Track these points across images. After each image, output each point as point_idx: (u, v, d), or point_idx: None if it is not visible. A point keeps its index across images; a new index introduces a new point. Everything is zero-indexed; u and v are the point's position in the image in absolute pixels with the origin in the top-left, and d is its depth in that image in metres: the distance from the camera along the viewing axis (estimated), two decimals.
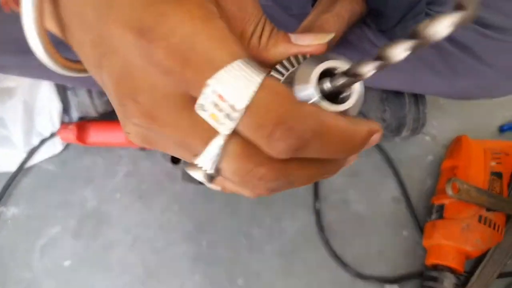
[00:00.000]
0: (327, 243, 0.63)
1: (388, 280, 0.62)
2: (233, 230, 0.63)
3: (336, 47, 0.47)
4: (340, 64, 0.21)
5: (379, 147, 0.70)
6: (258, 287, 0.60)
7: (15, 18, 0.45)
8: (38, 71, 0.53)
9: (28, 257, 0.59)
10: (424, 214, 0.67)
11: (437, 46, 0.48)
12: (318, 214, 0.65)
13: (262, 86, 0.18)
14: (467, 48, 0.48)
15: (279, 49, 0.23)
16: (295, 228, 0.64)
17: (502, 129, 0.76)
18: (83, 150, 0.65)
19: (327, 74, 0.21)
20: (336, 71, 0.21)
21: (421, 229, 0.65)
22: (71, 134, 0.61)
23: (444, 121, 0.75)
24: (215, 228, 0.63)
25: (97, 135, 0.62)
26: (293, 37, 0.23)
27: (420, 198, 0.68)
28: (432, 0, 0.47)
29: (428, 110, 0.67)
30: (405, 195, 0.68)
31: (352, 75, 0.19)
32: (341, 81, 0.20)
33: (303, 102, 0.20)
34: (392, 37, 0.47)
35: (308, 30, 0.35)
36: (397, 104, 0.61)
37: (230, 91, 0.18)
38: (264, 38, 0.23)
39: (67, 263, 0.59)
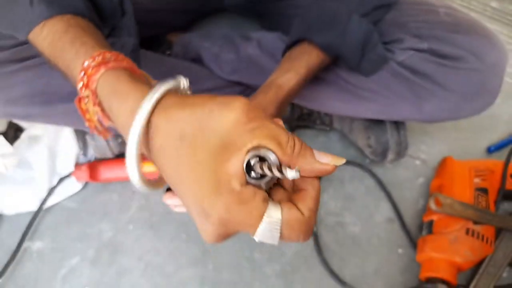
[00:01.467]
0: (325, 263, 0.66)
1: None
2: (237, 255, 0.68)
3: (315, 84, 0.55)
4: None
5: (371, 172, 0.75)
6: None
7: (42, 73, 0.54)
8: (59, 119, 0.62)
9: (51, 285, 0.65)
10: (417, 233, 0.70)
11: (403, 77, 0.55)
12: (315, 236, 0.69)
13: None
14: (428, 77, 0.54)
15: (307, 160, 0.31)
16: (294, 250, 0.68)
17: (489, 150, 0.80)
18: (100, 187, 0.73)
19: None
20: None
21: (415, 246, 0.68)
22: (84, 174, 0.69)
23: (433, 145, 0.81)
24: (219, 253, 0.68)
25: (107, 172, 0.70)
26: (316, 154, 0.31)
27: (413, 218, 0.72)
28: (391, 40, 0.55)
29: (416, 135, 0.72)
30: (398, 215, 0.71)
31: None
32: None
33: None
34: (362, 71, 0.55)
35: (270, 85, 0.50)
36: (379, 131, 0.67)
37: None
38: (296, 148, 0.31)
39: None
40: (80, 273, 0.66)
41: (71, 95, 0.53)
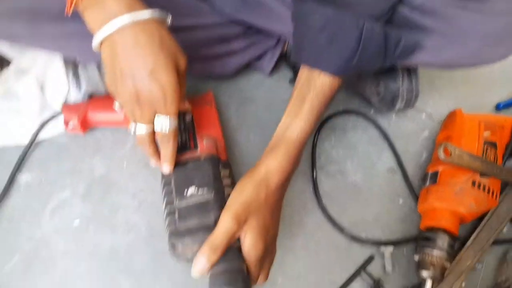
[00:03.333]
0: (323, 209, 0.65)
1: (383, 243, 0.63)
2: None
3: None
4: None
5: (375, 122, 0.73)
6: None
7: None
8: (48, 41, 0.58)
9: (39, 218, 0.62)
10: (419, 185, 0.69)
11: (422, 21, 0.52)
12: (315, 182, 0.67)
13: None
14: (449, 20, 0.51)
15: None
16: (292, 194, 0.66)
17: (498, 107, 0.78)
18: None
19: None
20: None
21: (416, 197, 0.67)
22: (75, 126, 0.65)
23: (440, 99, 0.78)
24: None
25: (98, 120, 0.66)
26: None
27: (415, 170, 0.70)
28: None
29: (423, 89, 0.69)
30: (401, 166, 0.70)
31: None
32: None
33: None
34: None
35: (280, 141, 0.51)
36: (390, 77, 0.64)
37: None
38: None
39: (75, 223, 0.62)
40: (70, 207, 0.63)
41: (60, 14, 0.49)
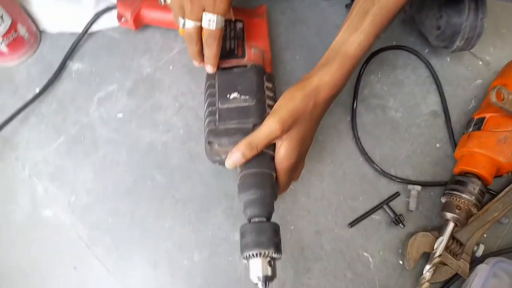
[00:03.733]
0: (358, 140, 0.65)
1: (412, 182, 0.63)
2: None
3: None
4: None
5: (427, 62, 0.70)
6: None
7: None
8: None
9: (86, 105, 0.66)
10: (460, 132, 0.67)
11: None
12: (354, 113, 0.66)
13: None
14: None
15: None
16: (329, 122, 0.66)
17: None
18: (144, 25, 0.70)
19: None
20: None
21: (455, 144, 0.66)
22: (129, 22, 0.66)
23: (502, 49, 0.74)
24: None
25: (149, 18, 0.67)
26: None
27: (460, 116, 0.68)
28: None
29: (486, 34, 0.65)
30: (445, 111, 0.68)
31: None
32: None
33: None
34: None
35: (336, 54, 0.50)
36: (455, 11, 0.60)
37: None
38: None
39: (119, 115, 0.65)
40: (116, 100, 0.66)
41: None
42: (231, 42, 0.59)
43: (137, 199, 0.61)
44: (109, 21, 0.69)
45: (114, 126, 0.65)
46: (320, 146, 0.65)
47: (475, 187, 0.57)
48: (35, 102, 0.65)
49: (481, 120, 0.61)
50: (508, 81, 0.63)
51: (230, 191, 0.62)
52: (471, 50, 0.71)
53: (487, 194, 0.62)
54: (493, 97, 0.55)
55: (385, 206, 0.62)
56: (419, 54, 0.70)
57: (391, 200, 0.63)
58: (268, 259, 0.44)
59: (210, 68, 0.55)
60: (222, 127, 0.51)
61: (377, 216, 0.62)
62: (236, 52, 0.57)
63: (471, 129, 0.62)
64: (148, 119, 0.65)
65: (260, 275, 0.43)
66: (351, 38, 0.49)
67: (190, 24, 0.51)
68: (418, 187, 0.62)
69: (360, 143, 0.65)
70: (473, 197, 0.57)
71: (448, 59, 0.71)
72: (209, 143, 0.51)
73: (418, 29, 0.72)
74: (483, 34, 0.61)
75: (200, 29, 0.52)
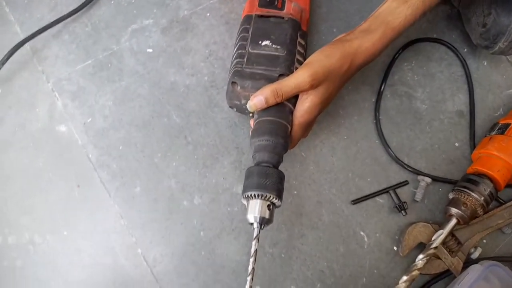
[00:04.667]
0: (378, 122, 0.64)
1: (423, 174, 0.63)
2: None
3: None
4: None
5: (464, 61, 0.69)
6: None
7: None
8: None
9: (119, 33, 0.66)
10: (481, 136, 0.66)
11: None
12: (380, 95, 0.66)
13: None
14: None
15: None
16: (354, 98, 0.66)
17: None
18: None
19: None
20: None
21: (474, 146, 0.65)
22: None
23: None
24: None
25: None
26: None
27: (485, 121, 0.67)
28: None
29: None
30: (471, 113, 0.67)
31: None
32: None
33: None
34: None
35: (377, 21, 0.49)
36: (506, 10, 0.59)
37: None
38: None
39: (149, 50, 0.66)
40: (148, 35, 0.67)
41: None
42: None
43: (150, 134, 0.62)
44: None
45: (142, 60, 0.65)
46: (339, 120, 0.65)
47: (486, 188, 0.56)
48: (71, 22, 0.66)
49: (506, 125, 0.60)
50: None
51: (242, 145, 0.62)
52: (509, 58, 0.69)
53: (494, 202, 0.62)
54: None
55: (391, 191, 0.62)
56: (457, 52, 0.69)
57: (398, 187, 0.62)
58: (268, 203, 0.44)
59: None
60: (248, 70, 0.51)
61: (381, 200, 0.62)
62: (276, 3, 0.57)
63: (494, 132, 0.61)
64: (176, 59, 0.66)
65: (258, 215, 0.43)
66: (399, 9, 0.48)
67: None
68: (429, 179, 0.62)
69: (380, 125, 0.64)
70: (482, 198, 0.56)
71: (485, 63, 0.70)
72: (233, 83, 0.51)
73: (461, 27, 0.70)
74: None
75: None
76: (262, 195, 0.44)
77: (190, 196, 0.60)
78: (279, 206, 0.46)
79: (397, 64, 0.68)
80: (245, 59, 0.51)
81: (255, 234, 0.45)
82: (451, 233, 0.58)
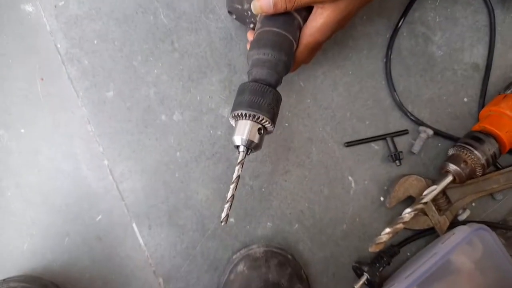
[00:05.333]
0: (388, 61, 0.58)
1: (425, 125, 0.58)
2: None
3: None
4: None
5: (492, 10, 0.62)
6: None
7: None
8: None
9: None
10: (493, 95, 0.61)
11: None
12: (395, 31, 0.59)
13: None
14: None
15: None
16: (366, 31, 0.58)
17: None
18: None
19: None
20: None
21: (483, 104, 0.60)
22: None
23: None
24: None
25: None
26: None
27: (499, 79, 0.61)
28: None
29: None
30: (488, 67, 0.61)
31: None
32: None
33: None
34: None
35: None
36: None
37: None
38: None
39: None
40: None
41: None
42: None
43: (132, 31, 0.53)
44: None
45: None
46: (346, 53, 0.58)
47: (490, 148, 0.52)
48: None
49: None
50: None
51: (235, 63, 0.55)
52: None
53: (491, 167, 0.58)
54: None
55: (388, 139, 0.57)
56: (487, 1, 0.62)
57: (397, 135, 0.58)
58: (259, 126, 0.38)
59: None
60: None
61: (376, 146, 0.57)
62: None
63: (510, 91, 0.56)
64: None
65: (246, 138, 0.37)
66: None
67: None
68: (430, 131, 0.57)
69: (390, 65, 0.58)
70: (485, 158, 0.52)
71: None
72: None
73: None
74: None
75: None
76: (253, 116, 0.38)
77: (169, 110, 0.53)
78: (270, 132, 0.41)
79: (420, 1, 0.61)
80: None
81: (239, 159, 0.39)
82: (443, 191, 0.55)
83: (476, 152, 0.52)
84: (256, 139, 0.38)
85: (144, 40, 0.53)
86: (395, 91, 0.58)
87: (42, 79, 0.51)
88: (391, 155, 0.56)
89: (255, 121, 0.38)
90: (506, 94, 0.56)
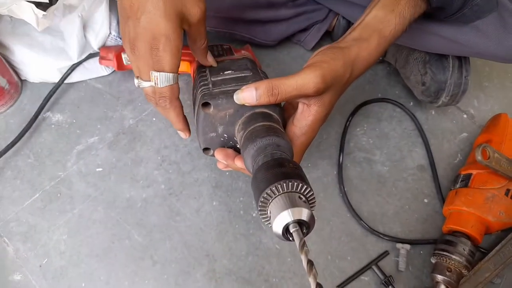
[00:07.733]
0: (344, 195, 0.63)
1: (401, 241, 0.61)
2: None
3: (401, 39, 0.47)
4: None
5: (412, 115, 0.70)
6: None
7: None
8: None
9: (64, 158, 0.64)
10: (448, 187, 0.66)
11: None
12: (340, 167, 0.65)
13: None
14: None
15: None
16: (316, 175, 0.65)
17: None
18: (129, 74, 0.70)
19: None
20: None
21: (443, 199, 0.64)
22: (110, 61, 0.64)
23: (486, 102, 0.74)
24: None
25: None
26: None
27: (446, 171, 0.67)
28: None
29: (469, 89, 0.65)
30: (432, 165, 0.67)
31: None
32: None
33: None
34: (461, 20, 0.47)
35: (375, 29, 0.43)
36: (439, 68, 0.61)
37: None
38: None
39: (98, 169, 0.63)
40: (95, 153, 0.64)
41: None
42: (219, 52, 0.54)
43: (113, 261, 0.58)
44: (92, 71, 0.69)
45: (92, 181, 0.62)
46: None
47: (464, 247, 0.55)
48: (12, 156, 0.63)
49: (468, 176, 0.60)
50: (492, 137, 0.63)
51: (212, 251, 0.59)
52: None
53: (478, 253, 0.61)
54: (478, 156, 0.54)
55: (374, 267, 0.60)
56: (404, 107, 0.70)
57: (379, 260, 0.60)
58: (298, 194, 0.33)
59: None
60: (218, 90, 0.42)
61: (366, 277, 0.60)
62: (225, 54, 0.53)
63: (458, 186, 0.61)
64: (128, 173, 0.63)
65: (291, 218, 0.32)
66: (387, 18, 0.43)
67: (144, 85, 0.42)
68: (407, 246, 0.60)
69: (347, 198, 0.63)
70: (463, 259, 0.55)
71: (433, 112, 0.71)
72: (204, 106, 0.42)
73: (402, 82, 0.72)
74: (467, 90, 0.62)
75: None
76: (285, 186, 0.32)
77: None
78: (313, 201, 0.34)
79: (350, 131, 0.69)
80: (211, 85, 0.44)
81: (299, 244, 0.31)
82: None
83: (453, 256, 0.55)
84: (304, 215, 0.33)
85: (126, 264, 0.57)
86: (361, 219, 0.62)
87: None
88: (383, 283, 0.59)
89: (291, 192, 0.33)
90: (456, 190, 0.61)
